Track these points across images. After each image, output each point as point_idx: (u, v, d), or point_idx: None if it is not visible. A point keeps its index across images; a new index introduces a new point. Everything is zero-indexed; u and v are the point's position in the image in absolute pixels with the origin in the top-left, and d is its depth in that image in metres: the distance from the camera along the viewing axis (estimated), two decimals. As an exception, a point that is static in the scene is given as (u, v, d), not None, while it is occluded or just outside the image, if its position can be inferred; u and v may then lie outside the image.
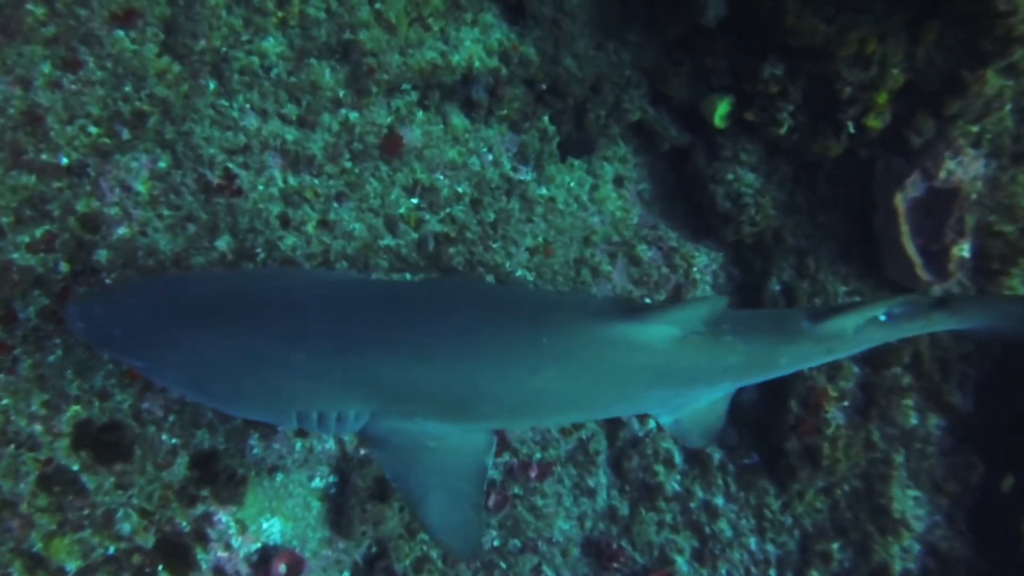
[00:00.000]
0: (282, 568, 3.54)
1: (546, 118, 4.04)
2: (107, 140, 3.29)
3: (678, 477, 4.19)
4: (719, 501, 4.21)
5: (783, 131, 3.88)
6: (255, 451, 3.50)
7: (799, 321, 3.02)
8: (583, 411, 3.20)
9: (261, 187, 3.51)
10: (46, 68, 3.23)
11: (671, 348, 2.79)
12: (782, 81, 3.74)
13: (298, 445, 3.57)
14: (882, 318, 3.06)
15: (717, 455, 4.26)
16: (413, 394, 2.68)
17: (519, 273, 3.93)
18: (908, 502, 4.20)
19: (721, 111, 3.98)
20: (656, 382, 2.90)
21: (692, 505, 4.19)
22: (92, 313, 2.63)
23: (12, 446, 3.14)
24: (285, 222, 3.54)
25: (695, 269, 4.27)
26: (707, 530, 4.17)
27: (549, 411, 2.98)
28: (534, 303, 2.98)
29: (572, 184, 4.14)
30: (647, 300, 4.17)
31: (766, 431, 4.18)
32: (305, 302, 2.70)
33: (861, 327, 3.04)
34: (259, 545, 3.53)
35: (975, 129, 3.82)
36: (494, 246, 3.89)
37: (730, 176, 4.05)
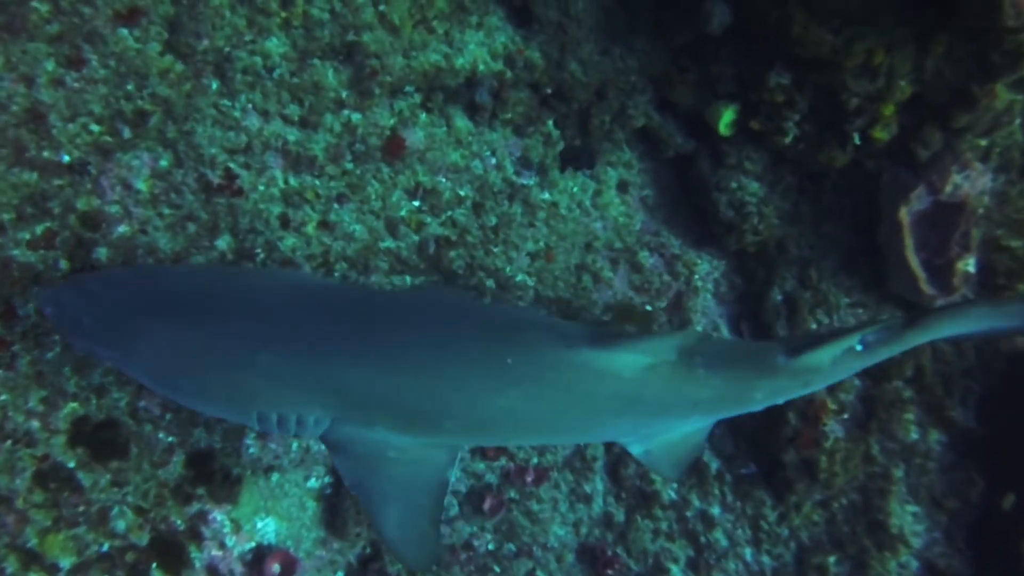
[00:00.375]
0: (276, 568, 3.56)
1: (550, 122, 4.02)
2: (109, 138, 3.30)
3: (675, 485, 4.17)
4: (715, 511, 4.20)
5: (788, 140, 3.85)
6: (251, 451, 3.51)
7: (775, 355, 2.99)
8: (547, 434, 3.17)
9: (262, 187, 3.51)
10: (49, 65, 3.23)
11: (639, 377, 2.77)
12: (788, 90, 3.71)
13: (295, 445, 3.58)
14: (858, 347, 3.03)
15: (715, 464, 4.24)
16: (374, 403, 2.68)
17: (519, 278, 3.92)
18: (907, 517, 4.17)
19: (726, 119, 3.95)
20: (623, 410, 2.88)
21: (688, 514, 4.17)
22: (62, 299, 2.64)
23: (9, 442, 3.16)
24: (285, 223, 3.53)
25: (697, 277, 4.24)
26: (703, 539, 4.16)
27: (512, 432, 2.97)
28: (506, 322, 2.96)
29: (575, 189, 4.12)
30: (648, 307, 4.15)
31: (764, 442, 4.16)
32: (276, 303, 2.70)
33: (838, 358, 3.01)
34: (253, 544, 3.54)
35: (984, 143, 3.77)
36: (495, 250, 3.88)
37: (734, 184, 4.02)
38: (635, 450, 3.16)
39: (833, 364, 3.02)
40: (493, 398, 2.72)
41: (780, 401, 3.18)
